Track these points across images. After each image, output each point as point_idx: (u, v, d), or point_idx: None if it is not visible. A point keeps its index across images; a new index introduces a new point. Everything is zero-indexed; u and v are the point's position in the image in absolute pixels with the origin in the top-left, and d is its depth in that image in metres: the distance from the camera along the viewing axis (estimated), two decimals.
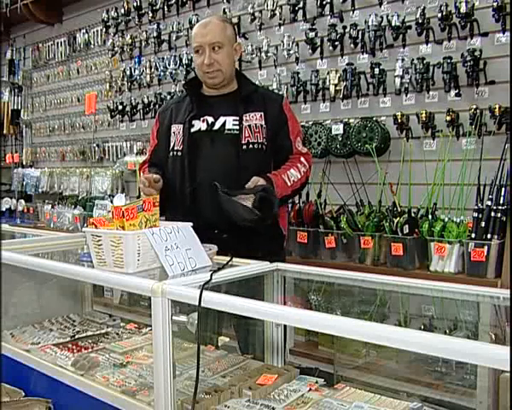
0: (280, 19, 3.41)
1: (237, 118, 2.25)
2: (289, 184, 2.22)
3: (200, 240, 1.91)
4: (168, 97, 4.00)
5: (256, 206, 1.99)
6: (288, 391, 1.68)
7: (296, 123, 2.39)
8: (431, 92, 2.87)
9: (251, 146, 2.24)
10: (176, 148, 2.31)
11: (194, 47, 2.29)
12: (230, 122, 2.25)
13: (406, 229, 2.56)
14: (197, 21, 3.80)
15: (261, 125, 2.26)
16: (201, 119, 2.29)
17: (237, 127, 2.24)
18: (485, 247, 2.37)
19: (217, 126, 2.27)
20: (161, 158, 2.38)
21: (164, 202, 2.05)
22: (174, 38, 4.03)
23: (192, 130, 2.28)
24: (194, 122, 2.29)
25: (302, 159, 2.31)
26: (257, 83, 3.40)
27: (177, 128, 2.33)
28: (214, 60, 2.23)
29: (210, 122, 2.27)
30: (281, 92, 3.37)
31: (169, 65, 4.03)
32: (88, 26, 4.92)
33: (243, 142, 2.23)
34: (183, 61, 3.94)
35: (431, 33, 2.84)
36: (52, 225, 4.65)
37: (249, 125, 2.25)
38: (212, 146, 2.26)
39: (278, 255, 2.25)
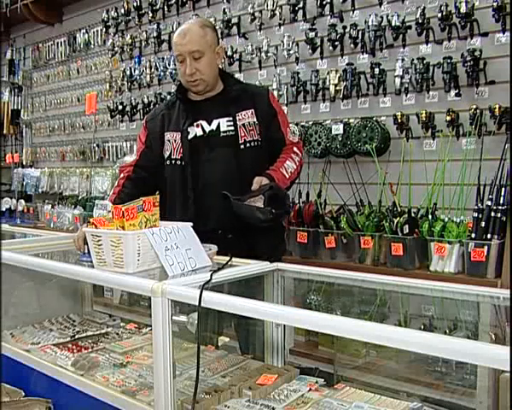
0: (280, 19, 3.41)
1: (231, 118, 2.27)
2: (287, 176, 2.26)
3: (205, 241, 1.91)
4: (168, 97, 4.00)
5: (267, 205, 2.02)
6: (288, 391, 1.68)
7: (284, 114, 2.43)
8: (431, 92, 2.87)
9: (248, 145, 2.27)
10: (174, 156, 2.30)
11: (175, 56, 2.29)
12: (225, 123, 2.27)
13: (406, 229, 2.56)
14: None
15: (254, 123, 2.29)
16: (195, 124, 2.29)
17: (232, 128, 2.26)
18: (485, 247, 2.36)
19: (212, 130, 2.28)
20: (151, 161, 2.37)
21: (162, 210, 2.05)
22: None
23: (189, 137, 2.28)
24: (189, 129, 2.29)
25: (295, 149, 2.36)
26: (257, 83, 3.42)
27: (171, 136, 2.31)
28: (196, 69, 2.22)
29: (205, 126, 2.28)
30: (281, 92, 3.37)
31: (169, 65, 4.03)
32: (88, 26, 4.91)
33: (240, 142, 2.26)
34: None
35: (431, 33, 2.83)
36: (52, 225, 4.65)
37: (243, 124, 2.27)
38: (211, 150, 2.27)
39: (279, 247, 2.40)
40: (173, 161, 2.30)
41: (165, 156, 2.32)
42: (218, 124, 2.27)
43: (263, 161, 2.28)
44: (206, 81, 2.27)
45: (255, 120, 2.29)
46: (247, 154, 2.25)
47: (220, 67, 2.41)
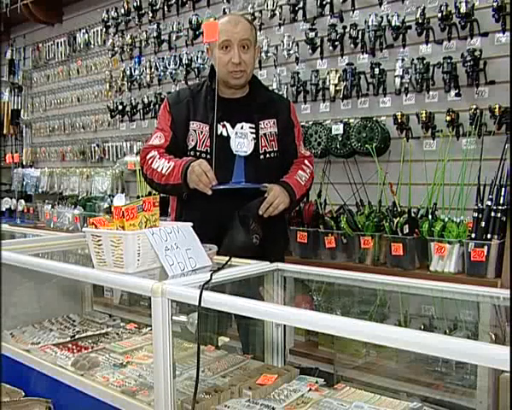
0: (280, 19, 3.41)
1: (253, 126, 2.26)
2: (302, 183, 2.33)
3: (210, 240, 1.92)
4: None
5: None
6: (287, 391, 1.67)
7: (300, 128, 2.46)
8: (431, 92, 2.87)
9: (268, 155, 2.29)
10: (199, 148, 2.25)
11: (220, 42, 2.17)
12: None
13: (406, 229, 2.56)
14: (197, 22, 3.82)
15: (275, 133, 2.31)
16: (221, 123, 2.26)
17: (254, 136, 2.26)
18: (485, 247, 2.36)
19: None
20: (176, 149, 2.29)
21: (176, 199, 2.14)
22: (174, 38, 4.02)
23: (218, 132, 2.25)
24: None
25: (306, 161, 2.41)
26: None
27: (198, 126, 2.26)
28: (242, 59, 2.19)
29: (228, 129, 2.26)
30: (281, 92, 3.37)
31: (169, 65, 4.04)
32: (88, 26, 4.92)
33: (261, 151, 2.27)
34: (183, 61, 3.94)
35: (431, 33, 2.84)
36: (52, 225, 4.65)
37: (265, 134, 2.28)
38: (231, 153, 2.23)
39: (282, 243, 2.47)
40: (198, 153, 2.25)
41: (190, 146, 2.27)
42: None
43: (279, 171, 2.31)
44: (247, 76, 2.25)
45: (276, 130, 2.31)
46: (265, 163, 2.28)
47: None
